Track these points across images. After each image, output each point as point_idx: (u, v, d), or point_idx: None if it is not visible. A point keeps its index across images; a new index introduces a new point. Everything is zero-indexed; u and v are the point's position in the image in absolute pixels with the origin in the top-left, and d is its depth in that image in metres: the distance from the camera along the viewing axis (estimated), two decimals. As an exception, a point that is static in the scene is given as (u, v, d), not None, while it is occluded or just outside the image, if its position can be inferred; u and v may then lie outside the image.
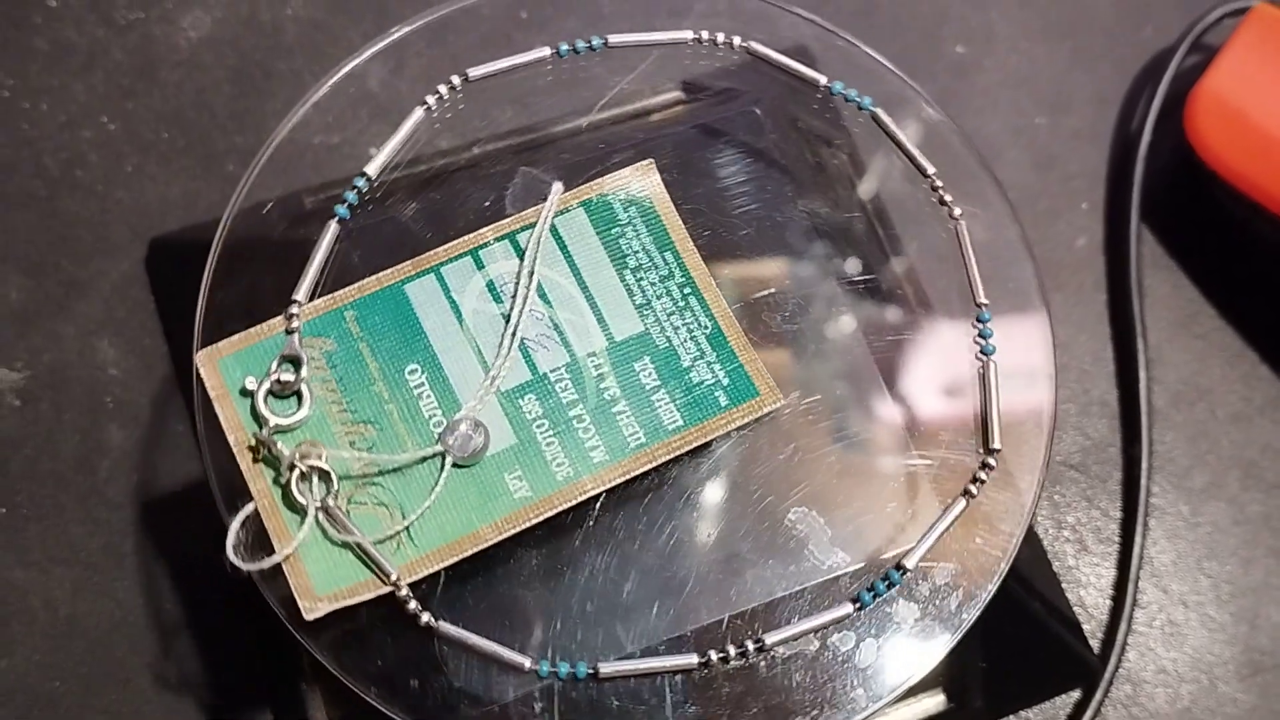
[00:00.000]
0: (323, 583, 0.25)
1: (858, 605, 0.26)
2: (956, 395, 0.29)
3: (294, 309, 0.27)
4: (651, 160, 0.29)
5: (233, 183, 0.29)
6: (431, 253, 0.28)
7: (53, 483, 0.34)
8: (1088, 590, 0.35)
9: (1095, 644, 0.34)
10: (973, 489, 0.27)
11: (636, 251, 0.28)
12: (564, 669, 0.25)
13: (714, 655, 0.26)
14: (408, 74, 0.32)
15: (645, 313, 0.28)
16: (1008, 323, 0.29)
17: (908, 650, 0.27)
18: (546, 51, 0.30)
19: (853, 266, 0.30)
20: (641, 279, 0.28)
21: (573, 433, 0.27)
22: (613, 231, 0.28)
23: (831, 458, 0.28)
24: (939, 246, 0.30)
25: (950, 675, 0.32)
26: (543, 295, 0.27)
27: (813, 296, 0.30)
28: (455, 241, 0.28)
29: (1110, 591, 0.35)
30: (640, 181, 0.29)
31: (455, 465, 0.26)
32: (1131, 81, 0.40)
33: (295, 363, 0.26)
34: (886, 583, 0.26)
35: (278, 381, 0.26)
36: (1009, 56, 0.41)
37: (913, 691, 0.31)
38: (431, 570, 0.26)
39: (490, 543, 0.26)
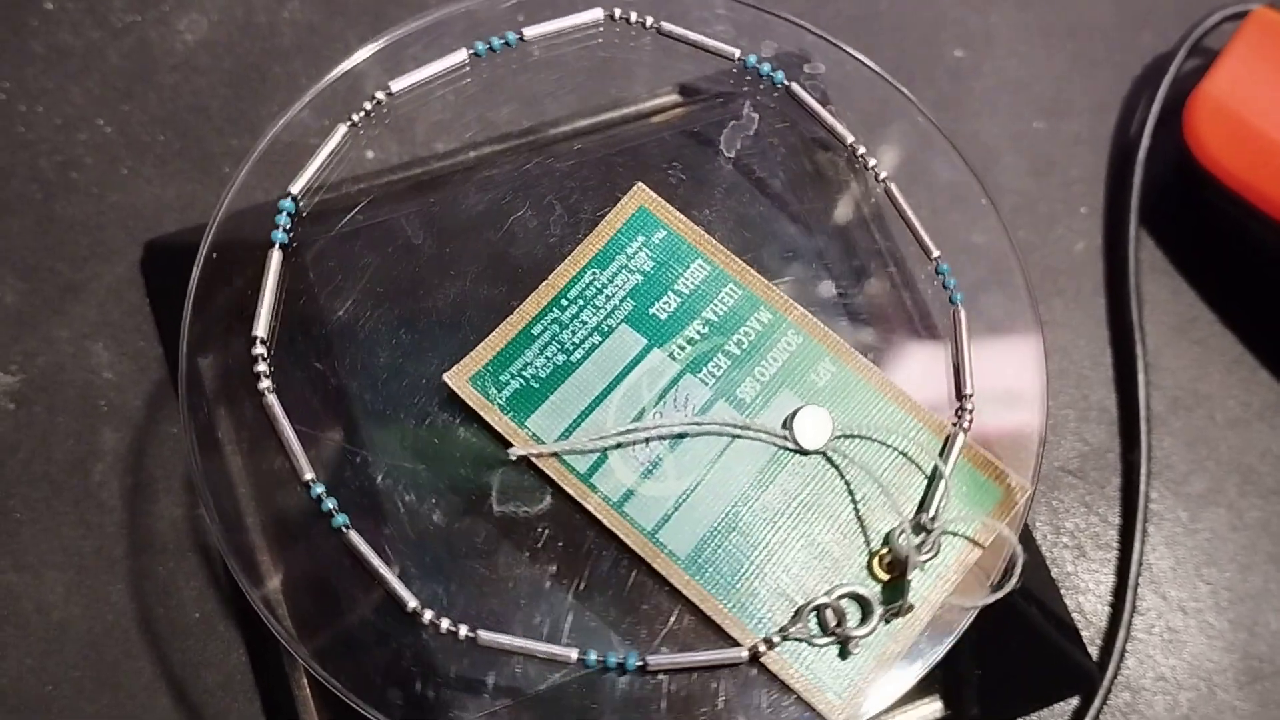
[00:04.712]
0: None
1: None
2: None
3: (762, 649, 0.26)
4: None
5: (228, 185, 0.29)
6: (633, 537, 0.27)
7: (46, 486, 0.33)
8: (1086, 597, 0.34)
9: (1094, 651, 0.34)
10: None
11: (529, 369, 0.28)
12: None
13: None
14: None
15: (602, 313, 0.28)
16: (1000, 332, 0.29)
17: (898, 660, 0.26)
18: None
19: (846, 271, 0.30)
20: (579, 310, 0.28)
21: (775, 341, 0.28)
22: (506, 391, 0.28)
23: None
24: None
25: (947, 682, 0.31)
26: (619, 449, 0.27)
27: (807, 300, 0.29)
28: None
29: (1109, 598, 0.34)
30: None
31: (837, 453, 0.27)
32: (1130, 86, 0.40)
33: (861, 601, 0.26)
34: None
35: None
36: (1008, 61, 0.40)
37: (909, 699, 0.31)
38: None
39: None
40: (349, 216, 0.30)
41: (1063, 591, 0.34)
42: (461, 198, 0.30)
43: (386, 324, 0.29)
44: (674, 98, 0.35)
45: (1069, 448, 0.36)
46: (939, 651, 0.26)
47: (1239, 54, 0.36)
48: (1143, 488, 0.35)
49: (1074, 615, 0.34)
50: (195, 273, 0.28)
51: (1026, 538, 0.34)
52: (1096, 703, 0.33)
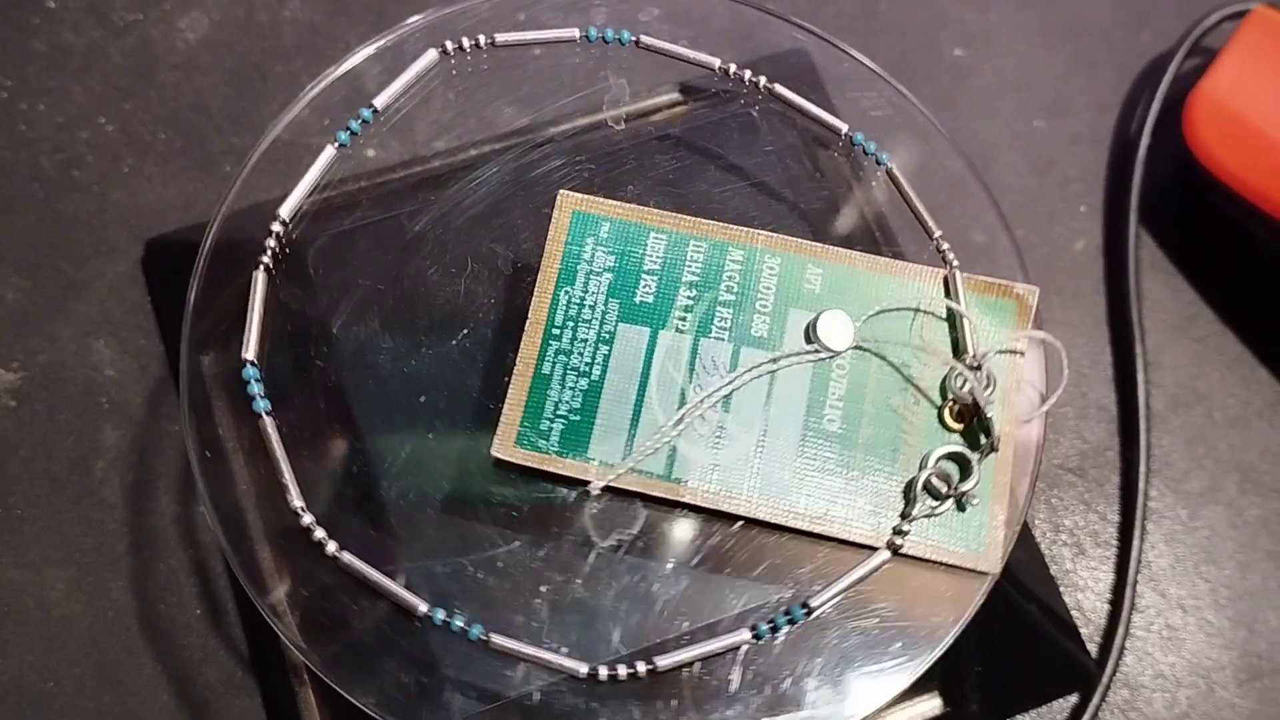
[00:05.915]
0: None
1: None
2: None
3: (898, 541, 0.27)
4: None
5: (229, 185, 0.29)
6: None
7: (47, 483, 0.34)
8: (1085, 594, 0.35)
9: (1093, 648, 0.34)
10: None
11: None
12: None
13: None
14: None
15: (595, 325, 0.28)
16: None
17: (896, 656, 0.26)
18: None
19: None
20: (573, 331, 0.28)
21: (758, 271, 0.29)
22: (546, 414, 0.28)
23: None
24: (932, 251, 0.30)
25: (946, 679, 0.31)
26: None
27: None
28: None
29: (1108, 595, 0.35)
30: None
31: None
32: (1130, 85, 0.40)
33: (954, 458, 0.27)
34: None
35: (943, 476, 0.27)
36: (1008, 60, 0.41)
37: (908, 695, 0.31)
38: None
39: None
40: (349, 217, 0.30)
41: (1061, 589, 0.34)
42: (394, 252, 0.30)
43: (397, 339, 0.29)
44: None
45: (1068, 445, 0.36)
46: (939, 647, 0.26)
47: (1239, 53, 0.36)
48: (1142, 485, 0.35)
49: (1073, 613, 0.34)
50: (196, 271, 0.28)
51: (1025, 534, 0.34)
52: (1095, 700, 0.33)
